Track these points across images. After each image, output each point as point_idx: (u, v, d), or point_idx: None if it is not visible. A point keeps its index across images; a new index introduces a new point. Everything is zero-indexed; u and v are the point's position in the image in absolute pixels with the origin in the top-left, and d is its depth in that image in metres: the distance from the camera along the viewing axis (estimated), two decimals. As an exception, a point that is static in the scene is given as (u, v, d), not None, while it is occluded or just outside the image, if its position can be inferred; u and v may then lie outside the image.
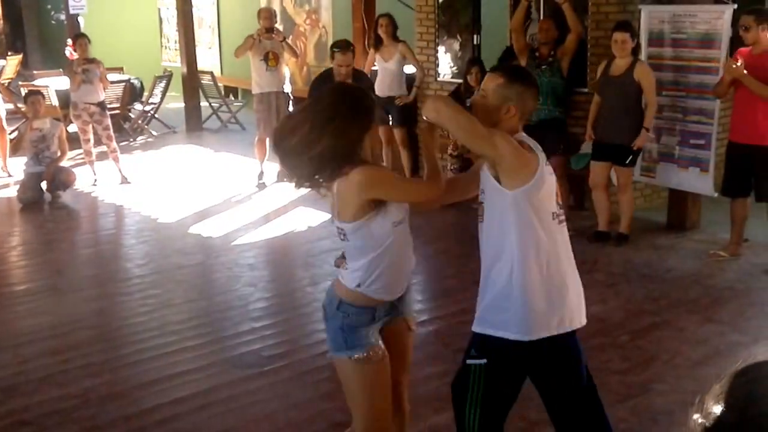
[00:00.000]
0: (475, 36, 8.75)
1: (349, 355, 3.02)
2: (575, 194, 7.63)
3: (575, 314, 3.02)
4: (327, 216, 7.74)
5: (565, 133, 7.23)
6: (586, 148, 6.96)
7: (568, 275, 2.98)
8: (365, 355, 3.02)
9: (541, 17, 7.85)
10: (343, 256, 3.19)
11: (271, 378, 4.75)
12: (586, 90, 7.42)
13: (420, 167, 9.21)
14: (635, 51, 6.53)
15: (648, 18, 6.87)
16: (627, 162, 6.62)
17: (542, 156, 2.93)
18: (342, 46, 6.65)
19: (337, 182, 2.90)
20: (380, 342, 3.08)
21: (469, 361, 2.99)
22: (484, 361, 2.94)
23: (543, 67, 6.97)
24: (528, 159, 2.85)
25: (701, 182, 6.77)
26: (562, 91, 7.05)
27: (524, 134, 2.99)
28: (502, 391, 3.02)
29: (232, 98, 13.93)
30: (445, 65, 9.08)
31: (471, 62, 8.04)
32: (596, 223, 6.94)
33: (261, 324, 5.55)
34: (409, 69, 8.61)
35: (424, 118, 2.92)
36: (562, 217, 2.98)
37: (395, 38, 8.40)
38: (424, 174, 3.10)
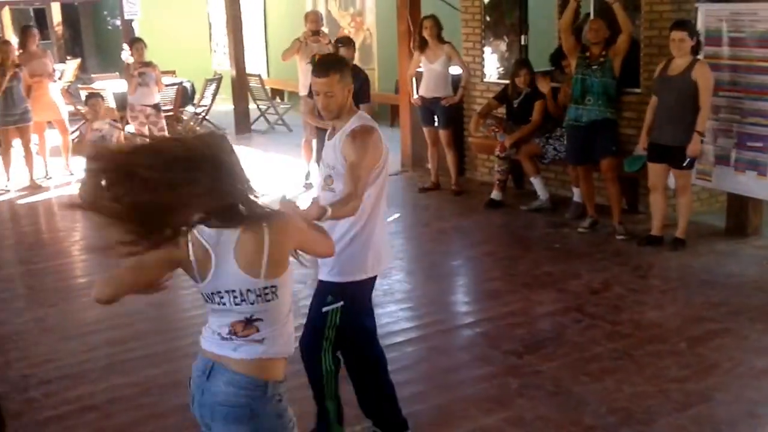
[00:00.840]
0: (522, 36, 8.64)
1: None
2: (628, 197, 7.39)
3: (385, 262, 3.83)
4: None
5: (617, 134, 7.07)
6: (639, 150, 6.78)
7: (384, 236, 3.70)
8: None
9: (591, 16, 7.73)
10: None
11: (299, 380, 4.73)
12: (638, 90, 7.25)
13: (466, 169, 9.17)
14: (695, 50, 6.26)
15: (705, 16, 6.62)
16: (685, 165, 6.35)
17: None
18: (345, 41, 7.65)
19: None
20: None
21: (325, 309, 3.56)
22: (341, 303, 3.56)
23: (594, 67, 6.83)
24: (383, 150, 3.53)
25: (759, 186, 6.44)
26: (613, 92, 6.88)
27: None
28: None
29: (279, 100, 13.99)
30: (492, 66, 8.99)
31: (519, 64, 7.94)
32: (650, 227, 6.70)
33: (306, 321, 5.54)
34: (455, 70, 8.54)
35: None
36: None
37: (440, 40, 8.33)
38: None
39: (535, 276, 6.17)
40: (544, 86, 7.71)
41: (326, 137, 3.65)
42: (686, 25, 6.33)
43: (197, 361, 2.61)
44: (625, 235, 6.80)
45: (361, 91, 7.14)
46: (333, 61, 3.66)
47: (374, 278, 3.69)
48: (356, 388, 3.88)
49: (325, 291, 3.61)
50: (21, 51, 9.68)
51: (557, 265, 6.39)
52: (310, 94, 6.82)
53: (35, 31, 10.12)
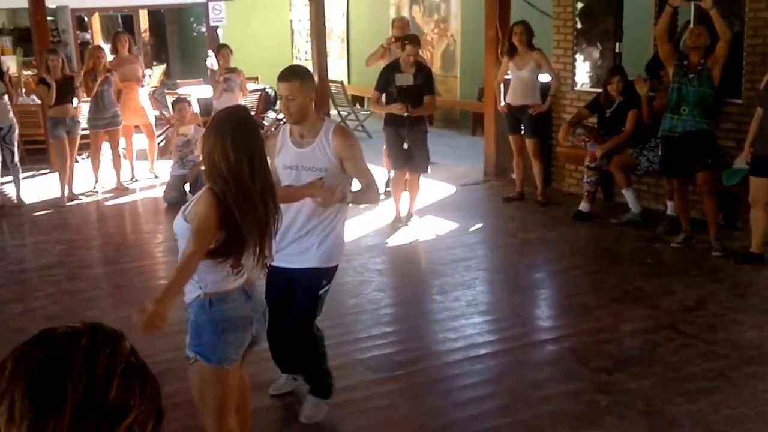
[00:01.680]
0: (616, 44, 8.49)
1: None
2: (726, 212, 7.19)
3: None
4: (455, 225, 7.83)
5: (714, 146, 6.88)
6: (739, 163, 6.57)
7: None
8: None
9: (692, 24, 7.54)
10: None
11: (402, 383, 4.75)
12: (739, 101, 7.06)
13: (553, 179, 9.07)
14: None
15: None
16: None
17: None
18: (413, 39, 7.77)
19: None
20: None
21: (320, 292, 4.11)
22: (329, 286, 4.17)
23: (691, 75, 6.65)
24: None
25: None
26: (711, 102, 6.69)
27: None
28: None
29: (359, 107, 14.10)
30: (583, 74, 8.88)
31: (612, 71, 7.80)
32: (749, 243, 6.49)
33: (391, 329, 5.56)
34: (544, 78, 8.46)
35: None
36: None
37: (530, 46, 8.27)
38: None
39: (625, 291, 6.05)
40: (641, 88, 7.54)
41: (293, 146, 3.99)
42: None
43: None
44: (722, 251, 6.62)
45: (425, 85, 7.57)
46: (297, 70, 4.13)
47: None
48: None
49: (320, 276, 4.08)
50: (113, 56, 10.00)
51: (649, 280, 6.25)
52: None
53: (127, 36, 10.44)
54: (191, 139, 9.02)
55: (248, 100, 10.75)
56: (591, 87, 8.68)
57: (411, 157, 7.65)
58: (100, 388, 1.04)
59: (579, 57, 8.86)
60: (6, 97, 8.81)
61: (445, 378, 4.82)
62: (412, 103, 7.45)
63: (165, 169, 9.54)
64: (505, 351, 5.15)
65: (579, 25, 8.85)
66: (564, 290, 6.44)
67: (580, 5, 8.82)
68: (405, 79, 7.48)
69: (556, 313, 6.06)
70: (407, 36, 7.89)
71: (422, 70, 7.65)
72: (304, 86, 3.88)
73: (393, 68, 7.68)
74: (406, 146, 7.58)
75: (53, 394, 1.02)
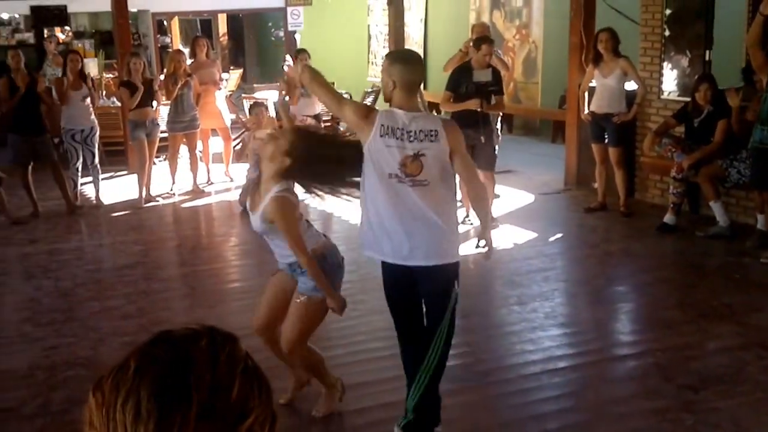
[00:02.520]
0: (706, 51, 8.31)
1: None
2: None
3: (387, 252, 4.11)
4: (534, 234, 7.76)
5: None
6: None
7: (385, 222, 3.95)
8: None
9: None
10: None
11: (478, 394, 4.73)
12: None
13: (636, 190, 8.92)
14: None
15: None
16: None
17: (382, 126, 3.81)
18: (486, 39, 7.92)
19: None
20: None
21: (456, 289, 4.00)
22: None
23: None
24: (365, 123, 3.84)
25: None
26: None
27: (397, 111, 3.88)
28: None
29: (436, 113, 14.09)
30: (671, 82, 8.71)
31: (700, 79, 7.64)
32: None
33: (467, 339, 5.51)
34: (630, 86, 8.34)
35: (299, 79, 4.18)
36: (404, 179, 3.84)
37: (616, 53, 8.17)
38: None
39: (712, 307, 5.91)
40: (733, 99, 7.38)
41: None
42: None
43: None
44: None
45: (497, 84, 7.76)
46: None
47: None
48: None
49: (453, 274, 3.99)
50: (191, 60, 10.24)
51: (737, 296, 6.10)
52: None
53: (205, 40, 10.67)
54: (268, 143, 9.15)
55: (323, 106, 10.83)
56: (679, 96, 8.50)
57: (479, 156, 7.52)
58: (223, 388, 1.06)
59: (667, 65, 8.70)
60: (88, 99, 9.09)
61: (522, 390, 4.78)
62: (487, 100, 7.58)
63: (240, 172, 9.71)
64: (585, 365, 5.08)
65: (667, 32, 8.69)
66: (648, 304, 6.32)
67: (668, 12, 8.66)
68: (483, 75, 7.62)
69: (638, 328, 5.95)
70: (481, 38, 8.02)
71: (494, 71, 7.82)
72: None
73: (465, 69, 7.85)
74: (482, 139, 7.58)
75: (179, 393, 1.04)
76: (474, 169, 4.20)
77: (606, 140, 8.37)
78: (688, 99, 7.85)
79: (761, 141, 6.67)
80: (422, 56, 15.36)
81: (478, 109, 7.56)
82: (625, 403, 4.59)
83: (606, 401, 4.63)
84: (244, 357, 1.13)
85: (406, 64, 3.91)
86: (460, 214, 8.04)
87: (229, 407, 1.06)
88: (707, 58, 8.30)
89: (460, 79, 7.78)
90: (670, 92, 8.69)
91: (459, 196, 6.68)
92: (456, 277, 3.98)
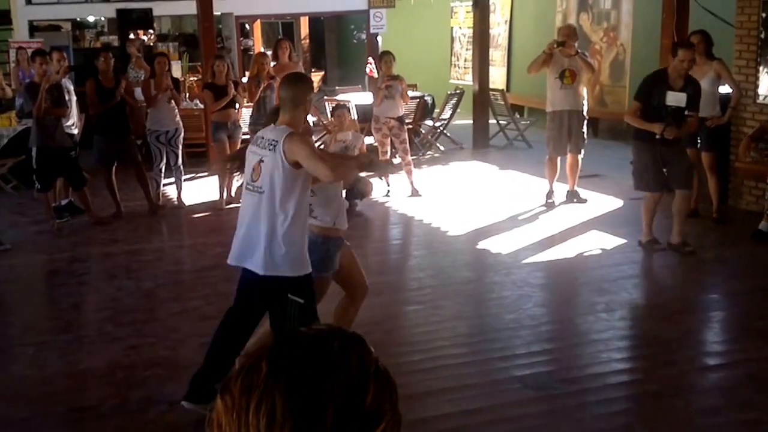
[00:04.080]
0: (805, 54, 8.08)
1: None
2: None
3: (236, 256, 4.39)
4: (623, 241, 7.64)
5: None
6: None
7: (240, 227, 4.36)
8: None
9: None
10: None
11: (561, 403, 4.68)
12: None
13: (729, 196, 8.70)
14: None
15: None
16: None
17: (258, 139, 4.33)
18: (686, 44, 7.39)
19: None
20: None
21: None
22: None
23: None
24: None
25: None
26: None
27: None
28: None
29: (518, 116, 14.01)
30: (767, 86, 8.49)
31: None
32: None
33: (551, 346, 5.50)
34: (724, 89, 8.14)
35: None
36: (250, 188, 4.25)
37: (709, 56, 7.99)
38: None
39: (809, 318, 5.73)
40: None
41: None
42: None
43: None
44: None
45: (691, 100, 7.05)
46: None
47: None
48: None
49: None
50: (274, 62, 10.40)
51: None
52: None
53: (288, 43, 10.83)
54: (349, 146, 9.22)
55: (407, 108, 10.90)
56: (775, 99, 8.28)
57: (672, 173, 7.16)
58: (358, 391, 1.05)
59: (763, 68, 8.47)
60: (173, 101, 9.32)
61: (606, 401, 4.73)
62: (678, 125, 6.97)
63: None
64: (674, 375, 4.99)
65: (763, 35, 8.46)
66: (740, 313, 6.15)
67: (765, 14, 8.43)
68: (677, 99, 6.91)
69: (731, 337, 5.80)
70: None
71: (692, 84, 7.12)
72: None
73: (660, 80, 7.10)
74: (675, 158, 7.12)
75: (315, 396, 1.03)
76: (326, 169, 4.10)
77: (699, 145, 8.19)
78: (785, 102, 7.64)
79: None
80: (506, 57, 15.33)
81: (657, 136, 6.94)
82: (716, 414, 4.49)
83: (696, 412, 4.55)
84: (375, 359, 1.11)
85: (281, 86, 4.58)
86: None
87: (365, 410, 1.05)
88: (807, 60, 8.07)
89: (652, 90, 7.06)
90: (766, 96, 8.45)
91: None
92: (294, 291, 4.21)
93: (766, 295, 6.34)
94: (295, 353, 1.08)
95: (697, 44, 8.01)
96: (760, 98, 8.46)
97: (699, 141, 8.16)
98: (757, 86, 8.49)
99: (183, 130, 9.52)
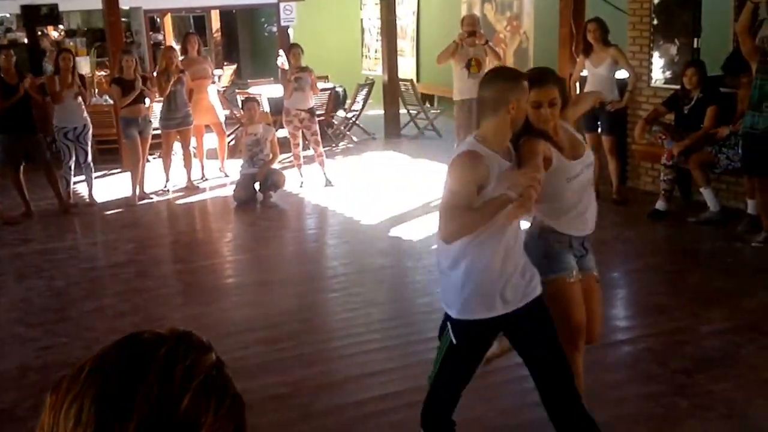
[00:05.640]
0: (694, 39, 8.32)
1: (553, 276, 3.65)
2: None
3: None
4: (526, 224, 7.70)
5: None
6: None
7: None
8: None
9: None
10: None
11: (476, 383, 4.67)
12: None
13: (628, 177, 8.93)
14: None
15: None
16: None
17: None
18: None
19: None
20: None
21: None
22: None
23: (775, 71, 6.49)
24: None
25: None
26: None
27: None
28: None
29: (429, 105, 14.09)
30: (660, 70, 8.72)
31: (687, 63, 7.68)
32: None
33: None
34: (621, 74, 8.34)
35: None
36: None
37: (606, 43, 8.17)
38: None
39: (704, 291, 5.93)
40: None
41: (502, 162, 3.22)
42: None
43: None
44: None
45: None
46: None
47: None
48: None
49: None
50: (182, 56, 10.20)
51: (729, 281, 6.11)
52: None
53: (197, 37, 10.66)
54: (260, 138, 9.15)
55: (318, 99, 10.85)
56: (668, 83, 8.51)
57: None
58: (171, 401, 1.00)
59: (655, 53, 8.71)
60: (80, 97, 9.05)
61: (519, 378, 4.74)
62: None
63: (235, 168, 9.70)
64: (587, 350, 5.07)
65: (655, 21, 8.69)
66: (641, 290, 6.33)
67: (656, 1, 8.66)
68: None
69: (632, 313, 5.95)
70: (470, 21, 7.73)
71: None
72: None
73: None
74: None
75: (121, 404, 0.99)
76: (442, 222, 3.27)
77: (599, 129, 8.37)
78: (677, 86, 7.86)
79: (752, 126, 6.67)
80: (415, 47, 15.40)
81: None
82: (620, 388, 4.59)
83: (602, 386, 4.62)
84: (206, 369, 1.05)
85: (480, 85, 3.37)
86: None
87: (175, 421, 1.00)
88: (695, 45, 8.32)
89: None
90: (659, 80, 8.70)
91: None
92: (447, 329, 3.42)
93: (662, 271, 6.53)
94: (119, 357, 1.04)
95: (593, 32, 8.20)
96: (654, 82, 8.70)
97: (599, 125, 8.35)
98: (650, 71, 8.72)
99: (91, 126, 9.25)
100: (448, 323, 3.40)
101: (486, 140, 3.22)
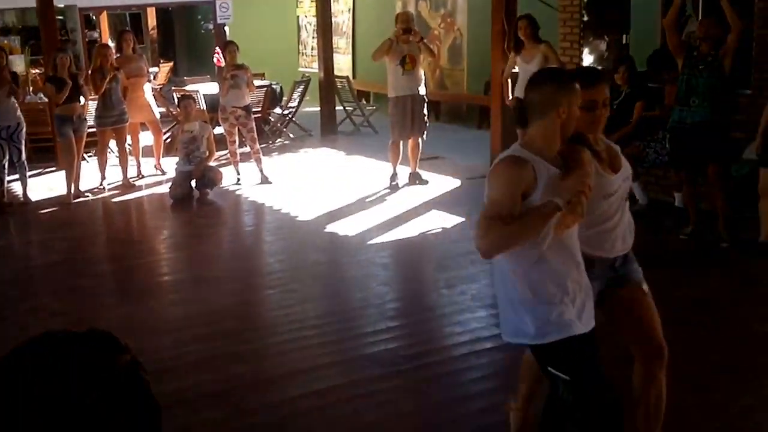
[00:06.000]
0: (623, 35, 8.41)
1: None
2: (735, 203, 7.10)
3: None
4: (461, 219, 7.73)
5: (725, 137, 6.74)
6: (749, 154, 6.46)
7: None
8: None
9: (699, 14, 7.45)
10: None
11: (409, 377, 4.67)
12: (749, 92, 6.94)
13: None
14: None
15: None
16: None
17: None
18: None
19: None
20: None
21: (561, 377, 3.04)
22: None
23: (701, 66, 6.51)
24: None
25: None
26: (721, 93, 6.56)
27: None
28: None
29: (365, 102, 14.02)
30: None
31: (618, 60, 7.73)
32: (758, 234, 6.36)
33: (397, 323, 5.48)
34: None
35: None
36: None
37: (536, 39, 8.18)
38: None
39: (633, 283, 5.95)
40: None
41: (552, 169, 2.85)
42: None
43: None
44: (731, 243, 6.51)
45: None
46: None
47: None
48: None
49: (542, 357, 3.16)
50: (117, 54, 9.96)
51: (656, 273, 6.09)
52: None
53: (132, 35, 10.42)
54: (197, 136, 8.96)
55: (254, 97, 10.68)
56: (597, 79, 8.57)
57: None
58: (72, 400, 0.99)
59: (585, 49, 8.77)
60: (13, 96, 8.75)
61: (451, 372, 4.74)
62: None
63: (171, 165, 9.50)
64: (511, 345, 5.03)
65: (585, 18, 8.75)
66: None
67: (586, -2, 8.73)
68: None
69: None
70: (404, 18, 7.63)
71: None
72: None
73: None
74: None
75: (29, 398, 0.98)
76: (480, 230, 2.86)
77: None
78: (606, 82, 7.91)
79: (679, 120, 6.73)
80: (351, 44, 15.29)
81: None
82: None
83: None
84: (117, 369, 1.03)
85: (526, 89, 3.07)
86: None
87: (82, 419, 0.99)
88: (624, 41, 8.40)
89: None
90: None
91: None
92: (553, 364, 3.00)
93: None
94: (31, 354, 1.04)
95: (524, 28, 8.21)
96: (584, 79, 8.74)
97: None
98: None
99: (25, 125, 8.96)
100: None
101: (532, 146, 2.89)
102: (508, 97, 8.64)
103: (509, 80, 8.67)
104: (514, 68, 8.53)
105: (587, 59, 8.77)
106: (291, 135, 12.51)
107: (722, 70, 6.48)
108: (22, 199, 9.05)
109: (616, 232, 3.34)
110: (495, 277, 3.07)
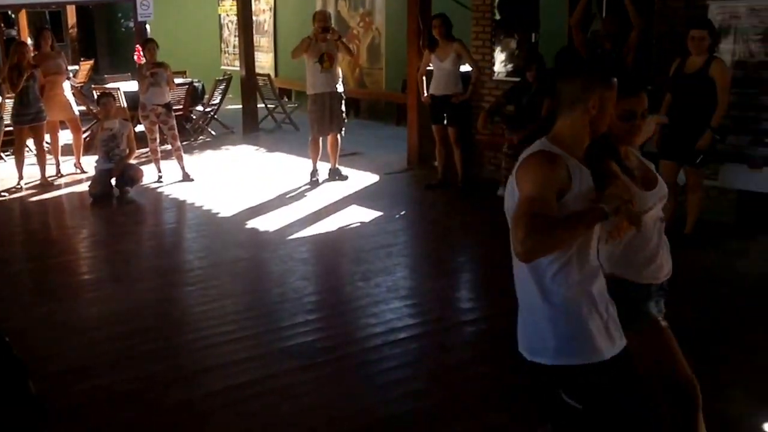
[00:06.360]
0: (533, 34, 8.55)
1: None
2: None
3: None
4: (379, 213, 7.76)
5: None
6: (648, 147, 6.62)
7: None
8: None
9: (603, 13, 7.64)
10: None
11: (325, 369, 4.66)
12: (649, 87, 7.12)
13: (473, 166, 9.06)
14: (712, 48, 6.16)
15: (718, 13, 6.52)
16: (698, 162, 6.24)
17: None
18: None
19: None
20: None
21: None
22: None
23: (603, 63, 6.72)
24: None
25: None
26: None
27: None
28: None
29: (287, 99, 13.94)
30: (502, 64, 8.91)
31: (530, 59, 7.85)
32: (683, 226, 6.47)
33: (315, 316, 5.47)
34: (466, 68, 8.46)
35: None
36: None
37: (450, 38, 8.25)
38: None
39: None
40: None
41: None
42: (707, 24, 6.22)
43: None
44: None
45: None
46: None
47: None
48: None
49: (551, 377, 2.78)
50: (36, 52, 9.67)
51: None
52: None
53: (50, 33, 10.14)
54: (117, 133, 8.77)
55: (174, 94, 10.49)
56: (508, 76, 8.70)
57: None
58: None
59: (497, 48, 8.88)
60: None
61: (366, 363, 4.75)
62: None
63: (91, 163, 9.27)
64: (425, 334, 5.10)
65: (497, 17, 8.86)
66: (484, 273, 6.42)
67: (498, -2, 8.84)
68: None
69: (476, 295, 6.04)
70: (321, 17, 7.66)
71: None
72: None
73: None
74: None
75: None
76: (519, 233, 2.39)
77: (445, 121, 8.46)
78: (518, 79, 8.03)
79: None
80: (273, 42, 15.16)
81: None
82: (463, 368, 4.62)
83: (445, 368, 4.65)
84: None
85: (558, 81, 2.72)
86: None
87: None
88: (533, 40, 8.54)
89: None
90: (501, 73, 8.88)
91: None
92: (564, 386, 2.65)
93: (502, 254, 6.61)
94: None
95: (438, 27, 8.27)
96: (496, 75, 8.87)
97: (445, 117, 8.43)
98: (492, 64, 8.89)
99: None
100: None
101: (561, 142, 2.57)
102: (423, 94, 8.69)
103: (424, 78, 8.72)
104: (428, 66, 8.58)
105: (499, 57, 8.88)
106: (213, 132, 12.35)
107: (625, 66, 6.66)
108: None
109: (659, 256, 3.06)
110: (517, 285, 2.77)
